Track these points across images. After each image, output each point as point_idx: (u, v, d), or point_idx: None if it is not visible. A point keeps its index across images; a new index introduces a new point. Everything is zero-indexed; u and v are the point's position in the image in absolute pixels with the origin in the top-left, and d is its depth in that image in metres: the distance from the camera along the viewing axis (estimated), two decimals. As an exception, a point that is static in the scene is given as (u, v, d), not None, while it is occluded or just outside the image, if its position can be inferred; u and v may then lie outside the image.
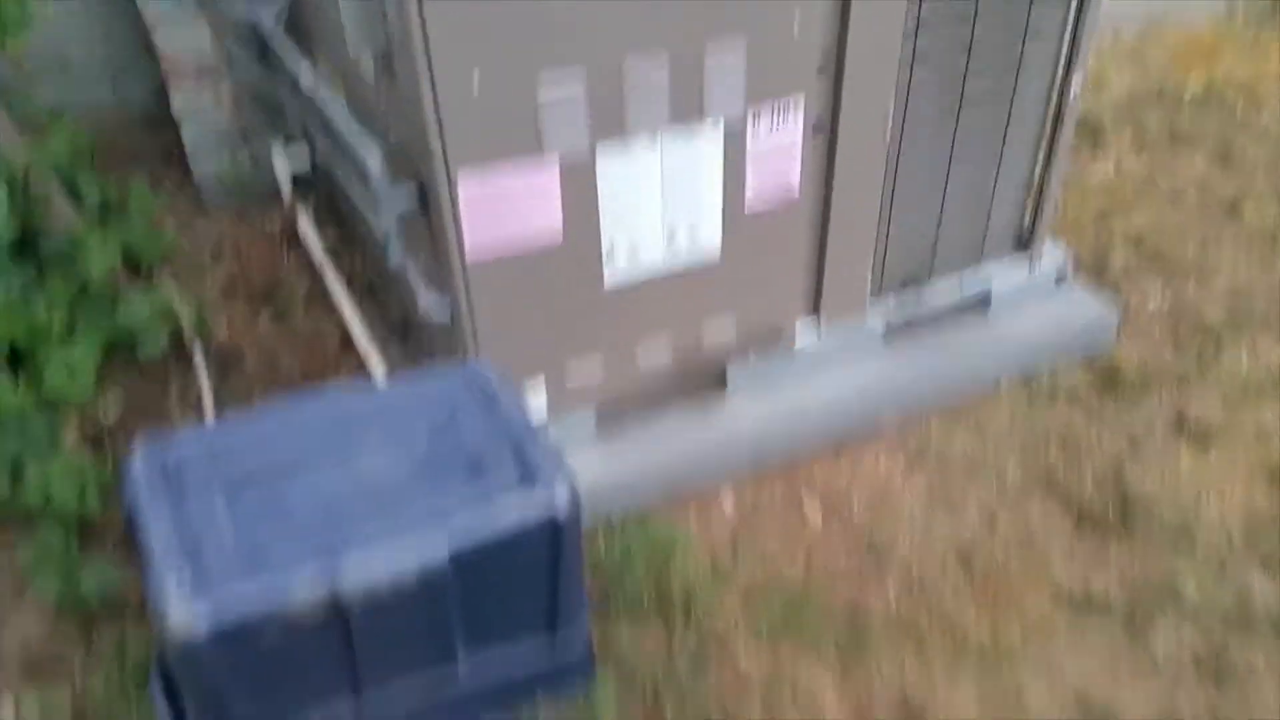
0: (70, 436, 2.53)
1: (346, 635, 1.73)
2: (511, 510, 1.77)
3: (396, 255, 2.21)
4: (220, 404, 2.70)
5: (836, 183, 2.38)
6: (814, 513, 2.53)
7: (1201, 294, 3.18)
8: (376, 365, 2.71)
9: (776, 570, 2.39)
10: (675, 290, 2.36)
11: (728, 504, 2.53)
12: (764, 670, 2.19)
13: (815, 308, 2.62)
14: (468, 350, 2.22)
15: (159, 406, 2.70)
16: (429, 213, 2.12)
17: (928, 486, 2.60)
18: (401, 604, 1.73)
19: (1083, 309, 2.92)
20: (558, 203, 2.10)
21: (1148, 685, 2.19)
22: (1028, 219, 2.82)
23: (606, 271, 2.25)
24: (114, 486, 2.41)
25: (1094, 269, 3.26)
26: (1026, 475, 2.63)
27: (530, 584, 1.90)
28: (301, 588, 1.64)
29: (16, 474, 2.35)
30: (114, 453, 2.54)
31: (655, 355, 2.45)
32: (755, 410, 2.61)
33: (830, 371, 2.69)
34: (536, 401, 2.36)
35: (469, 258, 2.09)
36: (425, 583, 1.73)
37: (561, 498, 1.80)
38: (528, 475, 1.81)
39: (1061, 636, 2.28)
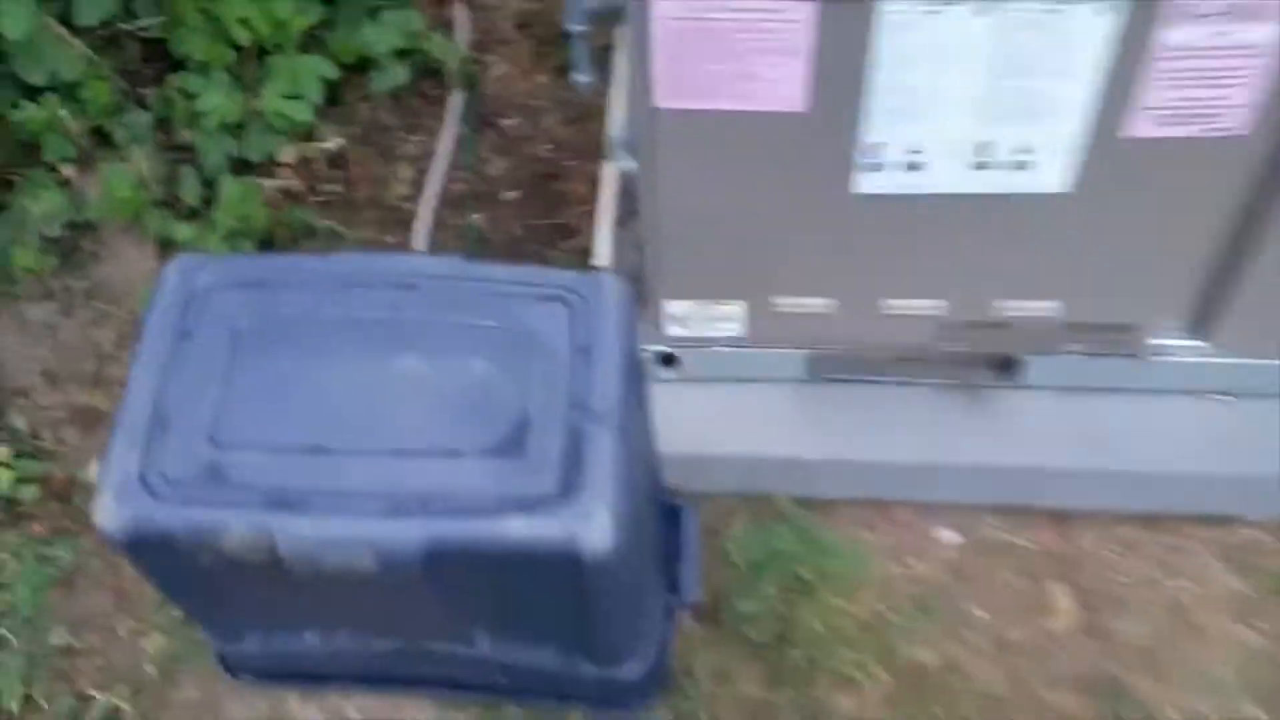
0: (286, 155, 2.08)
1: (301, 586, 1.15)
2: (518, 525, 1.05)
3: (583, 69, 1.43)
4: (456, 166, 2.12)
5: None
6: (1064, 604, 1.57)
7: None
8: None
9: (963, 666, 1.51)
10: (973, 227, 1.39)
11: (945, 538, 1.63)
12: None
13: (1201, 317, 1.52)
14: (652, 235, 1.43)
15: (385, 149, 2.15)
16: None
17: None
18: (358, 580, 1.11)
19: None
20: (804, 58, 1.18)
21: None
22: None
23: (865, 172, 1.32)
24: (300, 223, 1.99)
25: None
26: None
27: (548, 616, 1.21)
28: (236, 533, 1.08)
29: (209, 187, 1.95)
30: (317, 190, 2.06)
31: (914, 309, 1.51)
32: (1049, 424, 1.62)
33: (1187, 406, 1.61)
34: (730, 325, 1.54)
35: (659, 100, 1.25)
36: (388, 570, 1.09)
37: (596, 534, 1.06)
38: (570, 478, 1.07)
39: None
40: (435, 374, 1.13)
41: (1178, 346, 1.57)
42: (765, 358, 1.61)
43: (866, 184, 1.32)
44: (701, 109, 1.23)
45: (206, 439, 1.09)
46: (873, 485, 1.64)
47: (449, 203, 2.08)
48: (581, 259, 1.99)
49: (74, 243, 1.91)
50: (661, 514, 1.52)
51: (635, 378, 1.19)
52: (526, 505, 1.05)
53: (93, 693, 1.57)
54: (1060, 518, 1.64)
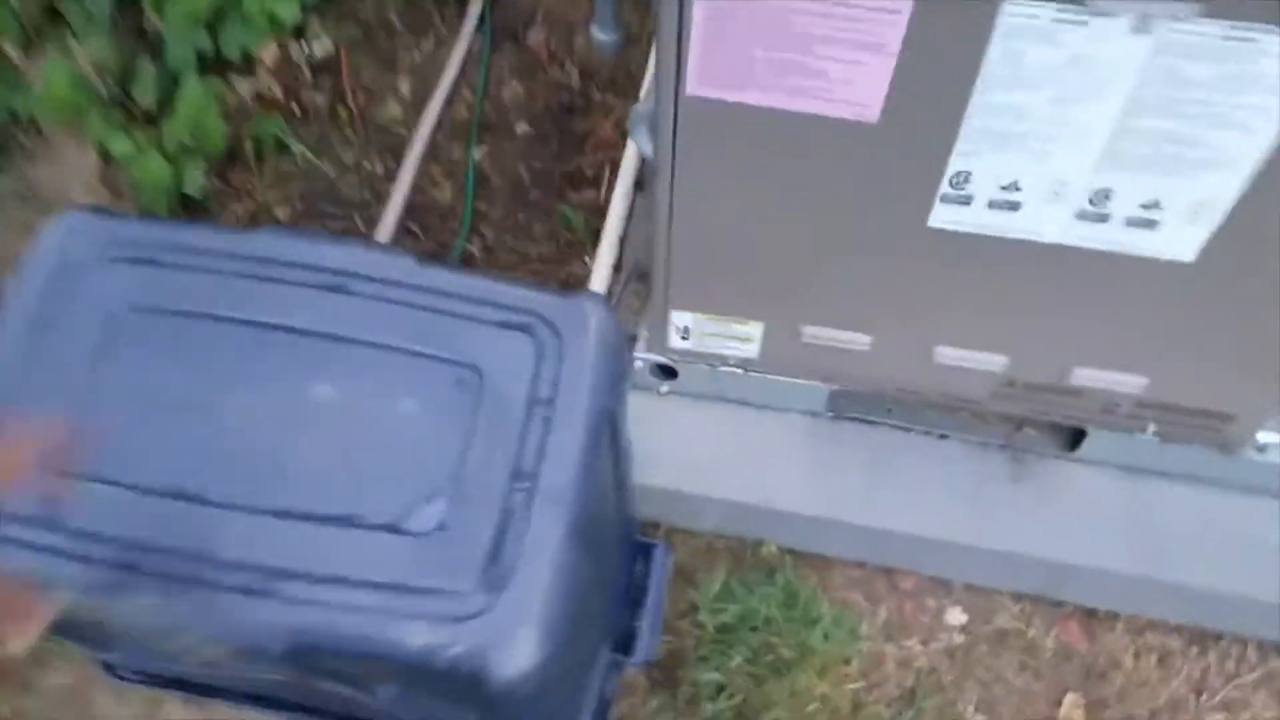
0: (266, 55, 1.77)
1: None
2: (414, 630, 0.81)
3: (607, 24, 1.13)
4: (465, 86, 1.81)
5: None
6: (1074, 715, 1.33)
7: None
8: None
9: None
10: (1063, 284, 1.10)
11: (953, 620, 1.39)
12: None
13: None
14: (663, 237, 1.14)
15: (386, 57, 1.84)
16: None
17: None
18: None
19: None
20: (889, 58, 0.87)
21: None
22: None
23: (944, 204, 1.02)
24: (271, 138, 1.70)
25: None
26: None
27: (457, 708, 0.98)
28: (62, 595, 0.82)
29: (172, 87, 1.65)
30: (299, 100, 1.76)
31: (970, 361, 1.23)
32: (1101, 509, 1.36)
33: (1267, 513, 1.34)
34: (744, 345, 1.27)
35: (691, 85, 0.95)
36: (249, 660, 0.85)
37: (515, 656, 0.81)
38: (494, 574, 0.82)
39: None
40: (350, 412, 0.87)
41: (1276, 444, 1.30)
42: (780, 385, 1.34)
43: (943, 217, 1.03)
44: (743, 103, 0.93)
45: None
46: (881, 552, 1.39)
47: (450, 130, 1.77)
48: (593, 217, 1.70)
49: (11, 135, 1.63)
50: (628, 551, 1.28)
51: (607, 440, 0.93)
52: (431, 604, 0.80)
53: (-46, 670, 1.38)
54: (1090, 613, 1.39)
